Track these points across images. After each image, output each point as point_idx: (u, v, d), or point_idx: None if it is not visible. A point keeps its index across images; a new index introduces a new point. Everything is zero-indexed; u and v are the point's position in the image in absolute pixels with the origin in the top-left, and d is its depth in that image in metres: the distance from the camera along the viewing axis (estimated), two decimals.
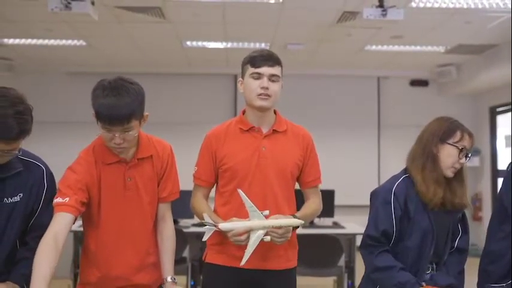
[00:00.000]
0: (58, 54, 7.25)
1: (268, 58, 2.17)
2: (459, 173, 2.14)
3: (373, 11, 4.53)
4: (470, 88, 7.92)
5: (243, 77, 2.23)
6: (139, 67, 7.64)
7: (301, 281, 2.77)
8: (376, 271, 2.09)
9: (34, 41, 6.62)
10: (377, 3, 4.57)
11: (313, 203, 2.31)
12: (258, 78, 2.16)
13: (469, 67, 7.51)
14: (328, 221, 5.54)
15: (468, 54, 7.11)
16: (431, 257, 2.12)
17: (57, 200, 1.90)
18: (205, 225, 2.05)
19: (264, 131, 2.24)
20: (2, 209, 1.92)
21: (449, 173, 2.11)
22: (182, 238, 4.61)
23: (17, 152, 1.89)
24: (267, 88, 2.15)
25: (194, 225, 5.24)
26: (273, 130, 2.24)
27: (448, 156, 2.10)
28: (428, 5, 5.10)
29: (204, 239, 2.08)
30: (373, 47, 6.82)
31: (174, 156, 2.18)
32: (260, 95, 2.16)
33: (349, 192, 7.04)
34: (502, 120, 8.00)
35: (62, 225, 1.85)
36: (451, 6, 5.11)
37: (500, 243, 2.11)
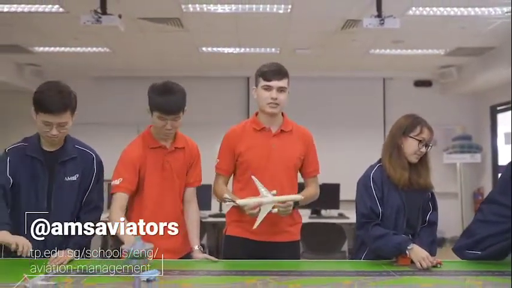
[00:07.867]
0: (84, 61, 7.64)
1: (277, 73, 2.61)
2: (423, 159, 2.59)
3: (371, 20, 4.98)
4: (471, 88, 8.19)
5: (256, 85, 2.69)
6: (159, 71, 7.83)
7: None
8: (376, 240, 2.46)
9: (62, 49, 7.03)
10: (376, 13, 5.04)
11: (313, 189, 2.80)
12: (268, 90, 2.63)
13: (469, 68, 7.79)
14: (334, 212, 6.02)
15: (467, 56, 7.40)
16: (405, 228, 2.55)
17: (113, 182, 2.51)
18: (227, 201, 2.52)
19: (273, 130, 2.70)
20: (64, 185, 2.48)
21: (414, 159, 2.56)
22: (200, 227, 5.07)
23: (67, 129, 2.40)
24: (275, 98, 2.62)
25: (211, 216, 5.73)
26: (281, 130, 2.71)
27: (409, 146, 2.55)
28: (425, 12, 5.49)
29: (225, 211, 2.57)
30: (377, 51, 7.17)
31: (200, 153, 2.74)
32: (270, 103, 2.63)
33: (355, 187, 7.39)
34: (502, 118, 8.26)
35: (120, 201, 2.48)
36: (446, 13, 5.49)
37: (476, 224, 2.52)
